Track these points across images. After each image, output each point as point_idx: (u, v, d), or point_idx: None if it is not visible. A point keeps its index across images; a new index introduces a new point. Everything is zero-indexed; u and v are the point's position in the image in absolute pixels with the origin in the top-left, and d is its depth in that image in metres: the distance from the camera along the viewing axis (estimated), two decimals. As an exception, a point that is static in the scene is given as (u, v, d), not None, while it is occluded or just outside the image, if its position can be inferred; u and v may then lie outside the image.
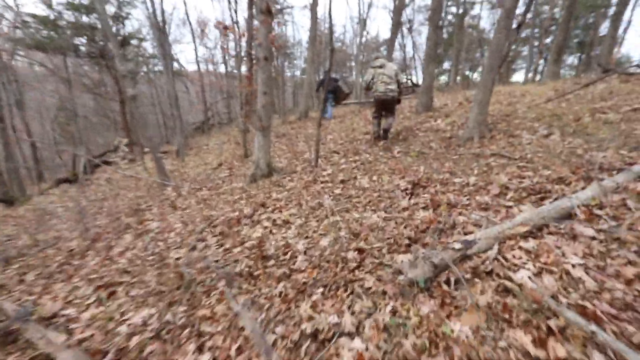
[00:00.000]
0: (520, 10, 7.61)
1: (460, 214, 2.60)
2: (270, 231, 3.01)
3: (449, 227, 2.36)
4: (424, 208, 2.82)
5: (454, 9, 20.68)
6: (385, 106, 5.17)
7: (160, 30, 11.57)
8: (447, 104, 8.06)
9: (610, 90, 5.84)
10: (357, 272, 2.10)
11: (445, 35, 21.03)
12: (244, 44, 7.79)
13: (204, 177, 5.83)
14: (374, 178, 3.81)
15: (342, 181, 3.95)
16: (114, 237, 3.80)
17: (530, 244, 1.94)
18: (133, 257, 3.18)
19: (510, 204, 2.59)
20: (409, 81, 17.77)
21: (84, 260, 3.37)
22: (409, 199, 3.11)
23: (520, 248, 1.93)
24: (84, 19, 13.88)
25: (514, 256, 1.87)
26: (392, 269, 2.03)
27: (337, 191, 3.65)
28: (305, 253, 2.50)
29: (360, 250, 2.33)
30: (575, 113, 4.84)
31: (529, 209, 2.42)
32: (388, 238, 2.40)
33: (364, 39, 21.47)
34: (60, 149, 16.81)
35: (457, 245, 1.96)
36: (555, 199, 2.43)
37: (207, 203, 4.28)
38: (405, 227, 2.52)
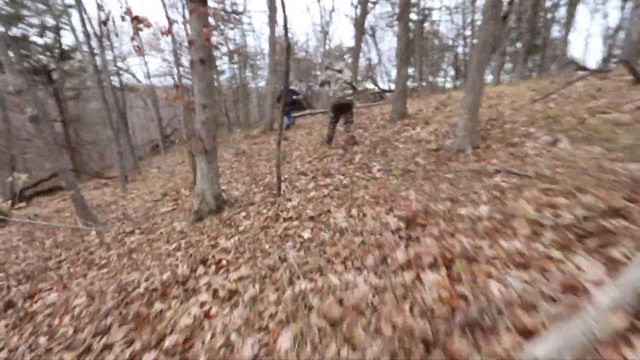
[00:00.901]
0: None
1: (489, 276, 1.74)
2: (208, 314, 1.99)
3: (485, 313, 1.48)
4: (431, 266, 1.93)
5: (413, 16, 20.72)
6: (345, 110, 5.26)
7: (98, 38, 10.20)
8: (422, 109, 7.41)
9: (597, 88, 5.38)
10: None
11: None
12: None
13: (142, 214, 4.67)
14: (353, 212, 2.90)
15: (312, 218, 3.00)
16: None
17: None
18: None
19: (558, 255, 1.76)
20: (377, 87, 17.36)
21: None
22: (406, 246, 2.22)
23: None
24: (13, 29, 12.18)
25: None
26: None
27: (306, 234, 2.70)
28: (255, 366, 1.52)
29: (345, 364, 1.39)
30: (572, 114, 4.24)
31: (596, 268, 1.60)
32: (387, 336, 1.48)
33: (327, 47, 20.96)
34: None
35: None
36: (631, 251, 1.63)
37: (132, 257, 3.16)
38: (411, 309, 1.60)
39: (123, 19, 2.69)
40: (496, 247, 1.99)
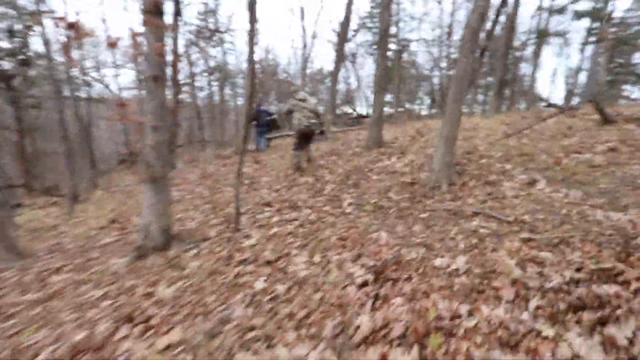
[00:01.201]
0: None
1: (468, 357, 1.41)
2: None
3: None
4: (400, 341, 1.58)
5: (393, 46, 21.43)
6: (307, 137, 5.50)
7: (64, 46, 9.61)
8: (398, 137, 7.29)
9: (567, 126, 5.43)
10: None
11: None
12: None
13: (80, 245, 4.08)
14: (316, 258, 2.53)
15: (269, 262, 2.61)
16: None
17: None
18: None
19: (549, 331, 1.47)
20: (355, 112, 17.49)
21: None
22: (373, 307, 1.87)
23: None
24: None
25: None
26: None
27: (259, 284, 2.30)
28: None
29: None
30: (547, 152, 4.16)
31: (595, 353, 1.31)
32: None
33: (308, 71, 21.17)
34: None
35: None
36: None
37: (47, 306, 2.61)
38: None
39: (57, 25, 2.29)
40: (476, 314, 1.68)
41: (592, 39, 14.79)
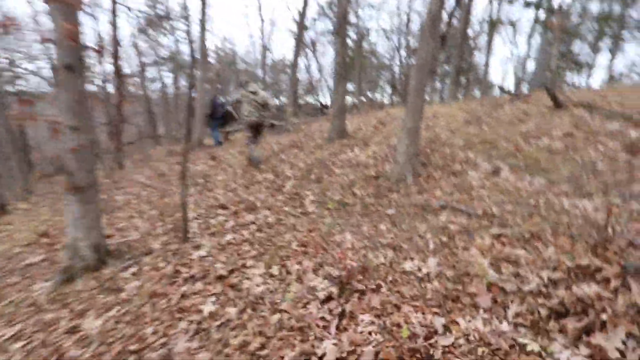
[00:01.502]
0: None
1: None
2: None
3: None
4: (371, 373, 1.35)
5: (352, 34, 21.25)
6: (258, 129, 5.39)
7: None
8: (361, 127, 7.12)
9: (523, 112, 5.53)
10: None
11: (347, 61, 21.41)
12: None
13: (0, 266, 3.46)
14: (274, 269, 2.24)
15: (221, 277, 2.28)
16: None
17: None
18: None
19: (532, 344, 1.31)
20: (319, 103, 17.18)
21: None
22: (338, 329, 1.63)
23: None
24: None
25: None
26: None
27: (208, 307, 1.97)
28: None
29: None
30: (507, 139, 4.15)
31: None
32: None
33: (269, 61, 20.48)
34: None
35: None
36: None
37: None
38: None
39: None
40: (453, 329, 1.49)
41: (540, 28, 15.58)
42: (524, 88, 17.50)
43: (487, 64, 18.07)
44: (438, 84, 17.93)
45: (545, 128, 4.33)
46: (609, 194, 2.35)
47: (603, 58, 30.56)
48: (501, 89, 8.35)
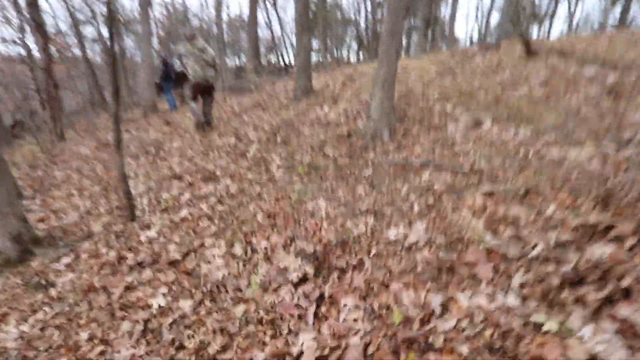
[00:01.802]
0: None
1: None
2: None
3: None
4: (361, 376, 1.09)
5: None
6: (206, 91, 4.78)
7: None
8: (328, 85, 6.62)
9: (497, 62, 5.30)
10: None
11: (310, 16, 20.05)
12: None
13: None
14: (237, 248, 1.90)
15: (174, 263, 1.91)
16: None
17: None
18: None
19: (548, 323, 1.10)
20: (282, 62, 16.13)
21: None
22: (315, 316, 1.35)
23: None
24: None
25: None
26: None
27: (158, 301, 1.62)
28: None
29: None
30: (484, 89, 3.91)
31: (615, 347, 0.96)
32: None
33: (225, 17, 18.67)
34: None
35: None
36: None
37: None
38: None
39: None
40: (454, 308, 1.25)
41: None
42: (492, 39, 17.37)
43: (453, 17, 17.62)
44: (404, 39, 17.33)
45: (522, 77, 4.12)
46: (600, 142, 2.18)
47: (562, 9, 31.09)
48: (469, 40, 8.05)
